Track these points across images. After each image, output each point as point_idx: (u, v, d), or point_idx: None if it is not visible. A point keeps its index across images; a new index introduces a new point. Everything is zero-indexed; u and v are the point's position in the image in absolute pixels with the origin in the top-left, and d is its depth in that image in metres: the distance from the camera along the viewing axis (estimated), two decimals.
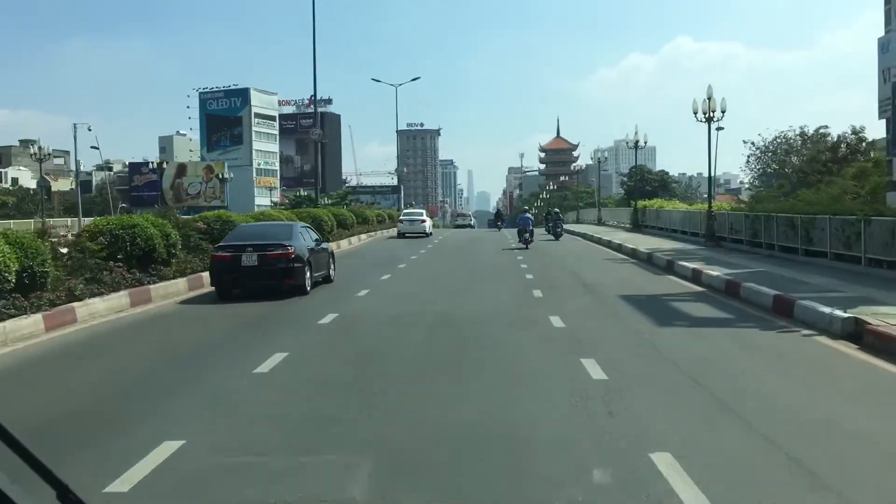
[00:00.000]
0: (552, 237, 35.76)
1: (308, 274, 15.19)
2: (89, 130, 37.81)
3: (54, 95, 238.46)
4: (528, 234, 31.13)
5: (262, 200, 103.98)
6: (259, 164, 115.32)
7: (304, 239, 15.92)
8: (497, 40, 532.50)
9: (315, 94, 29.23)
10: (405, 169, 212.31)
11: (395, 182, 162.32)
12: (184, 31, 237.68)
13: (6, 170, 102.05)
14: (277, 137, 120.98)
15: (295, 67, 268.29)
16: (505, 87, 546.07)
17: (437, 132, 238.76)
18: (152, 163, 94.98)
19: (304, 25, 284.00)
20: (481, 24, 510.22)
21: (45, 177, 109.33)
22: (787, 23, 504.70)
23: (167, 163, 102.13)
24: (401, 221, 42.61)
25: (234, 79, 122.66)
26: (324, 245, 17.63)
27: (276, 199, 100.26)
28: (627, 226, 41.76)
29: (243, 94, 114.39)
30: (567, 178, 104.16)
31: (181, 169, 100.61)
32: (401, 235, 40.89)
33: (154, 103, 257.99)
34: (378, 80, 60.58)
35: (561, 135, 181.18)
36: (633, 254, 24.78)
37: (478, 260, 25.31)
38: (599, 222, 51.02)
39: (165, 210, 25.22)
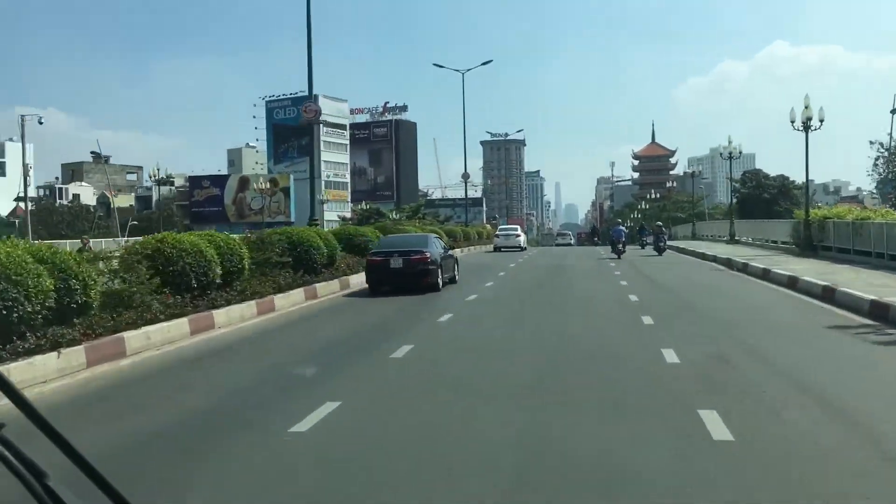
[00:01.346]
0: (654, 252, 34.45)
1: (440, 274, 18.97)
2: (40, 123, 29.34)
3: (135, 114, 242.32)
4: (620, 246, 33.15)
5: (331, 215, 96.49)
6: (328, 176, 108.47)
7: (436, 247, 19.79)
8: (581, 47, 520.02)
9: (310, 76, 19.74)
10: (489, 181, 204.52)
11: (477, 194, 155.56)
12: (252, 44, 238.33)
13: (67, 186, 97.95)
14: (348, 147, 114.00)
15: (368, 75, 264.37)
16: (591, 95, 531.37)
17: (522, 142, 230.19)
18: (208, 179, 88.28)
19: (377, 32, 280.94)
20: (566, 30, 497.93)
21: (106, 192, 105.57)
22: (891, 24, 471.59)
23: (230, 176, 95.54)
24: (497, 236, 46.92)
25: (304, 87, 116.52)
26: (450, 252, 21.77)
27: (346, 213, 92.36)
28: (790, 246, 29.36)
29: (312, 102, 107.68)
30: (671, 186, 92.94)
31: (243, 182, 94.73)
32: (496, 249, 43.78)
33: (225, 116, 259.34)
34: (441, 66, 51.70)
35: (656, 140, 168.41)
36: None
37: (573, 269, 26.88)
38: (700, 237, 46.48)
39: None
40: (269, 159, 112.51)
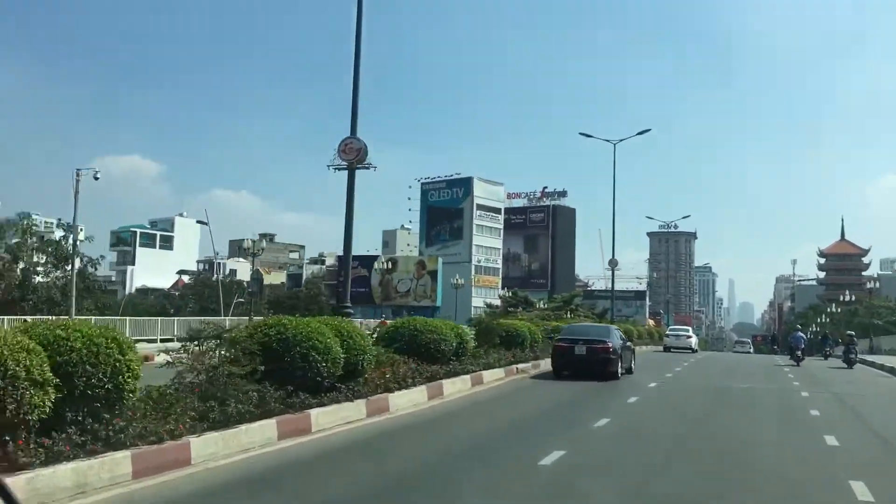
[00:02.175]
0: (843, 364, 31.64)
1: (619, 364, 20.36)
2: (96, 179, 26.44)
3: (310, 198, 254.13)
4: (799, 353, 32.45)
5: (478, 301, 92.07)
6: (479, 261, 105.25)
7: (617, 338, 21.11)
8: (768, 132, 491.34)
9: (354, 112, 13.98)
10: (654, 273, 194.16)
11: (642, 287, 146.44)
12: (417, 131, 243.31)
13: (226, 261, 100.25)
14: (501, 232, 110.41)
15: (527, 160, 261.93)
16: (774, 185, 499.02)
17: (693, 235, 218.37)
18: (357, 259, 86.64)
19: (540, 116, 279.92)
20: (747, 125, 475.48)
21: (260, 269, 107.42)
22: None
23: (378, 257, 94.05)
24: (667, 336, 48.16)
25: (460, 170, 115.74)
26: (628, 343, 23.41)
27: (495, 300, 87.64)
28: None
29: (466, 184, 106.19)
30: (871, 288, 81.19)
31: (391, 264, 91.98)
32: (666, 349, 44.32)
33: (387, 195, 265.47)
34: (588, 135, 46.03)
35: (846, 237, 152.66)
36: None
37: (746, 373, 26.69)
38: None
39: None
40: (421, 241, 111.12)
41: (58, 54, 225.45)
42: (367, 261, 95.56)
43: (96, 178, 29.74)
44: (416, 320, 16.04)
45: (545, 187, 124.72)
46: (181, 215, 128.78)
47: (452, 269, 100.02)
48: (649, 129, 51.59)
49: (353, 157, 18.29)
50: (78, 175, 29.34)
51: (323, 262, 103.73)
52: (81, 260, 39.38)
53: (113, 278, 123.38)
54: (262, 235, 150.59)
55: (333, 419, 10.46)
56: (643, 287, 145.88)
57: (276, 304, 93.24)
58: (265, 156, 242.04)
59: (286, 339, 10.21)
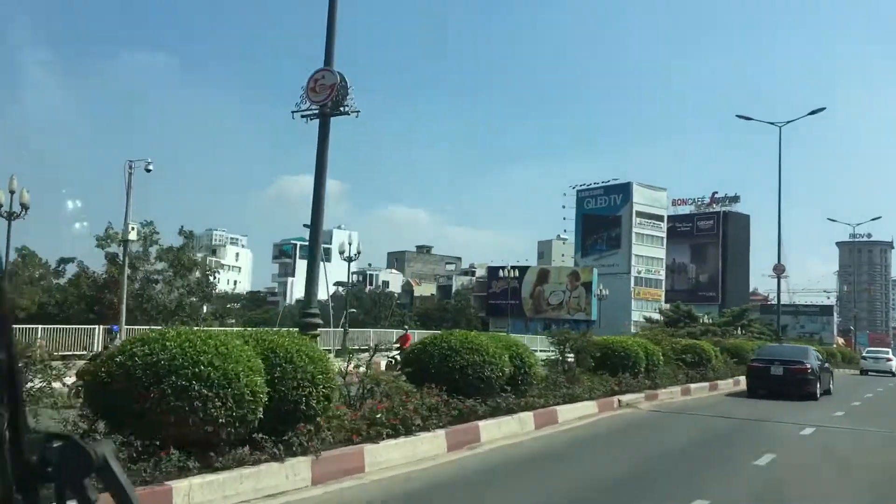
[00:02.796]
0: None
1: (818, 385, 20.59)
2: (148, 171, 23.84)
3: (473, 211, 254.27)
4: None
5: (639, 316, 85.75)
6: (639, 272, 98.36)
7: (814, 359, 21.54)
8: None
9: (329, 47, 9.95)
10: (844, 287, 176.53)
11: (830, 301, 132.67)
12: (575, 145, 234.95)
13: (379, 272, 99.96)
14: (664, 241, 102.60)
15: (697, 164, 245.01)
16: None
17: (890, 245, 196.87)
18: (507, 268, 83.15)
19: (715, 116, 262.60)
20: None
21: (410, 281, 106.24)
22: None
23: (529, 268, 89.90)
24: (864, 358, 47.04)
25: (618, 175, 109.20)
26: (826, 365, 23.87)
27: (654, 314, 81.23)
28: None
29: (624, 190, 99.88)
30: None
31: (542, 275, 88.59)
32: (863, 372, 43.33)
33: (543, 205, 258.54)
34: (747, 118, 39.61)
35: None
36: None
37: None
38: None
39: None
40: (577, 251, 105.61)
41: (236, 83, 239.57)
42: (519, 272, 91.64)
43: (148, 171, 27.92)
44: (451, 335, 11.74)
45: (714, 192, 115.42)
46: (339, 228, 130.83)
47: (609, 281, 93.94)
48: (823, 109, 43.63)
49: (326, 96, 13.63)
50: (130, 168, 27.59)
51: (473, 274, 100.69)
52: (191, 265, 38.26)
53: (276, 290, 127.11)
54: (420, 248, 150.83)
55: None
56: (831, 301, 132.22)
57: (424, 315, 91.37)
58: (440, 177, 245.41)
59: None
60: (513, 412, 11.45)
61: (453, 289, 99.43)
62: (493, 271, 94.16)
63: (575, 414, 13.29)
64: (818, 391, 20.19)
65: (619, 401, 15.27)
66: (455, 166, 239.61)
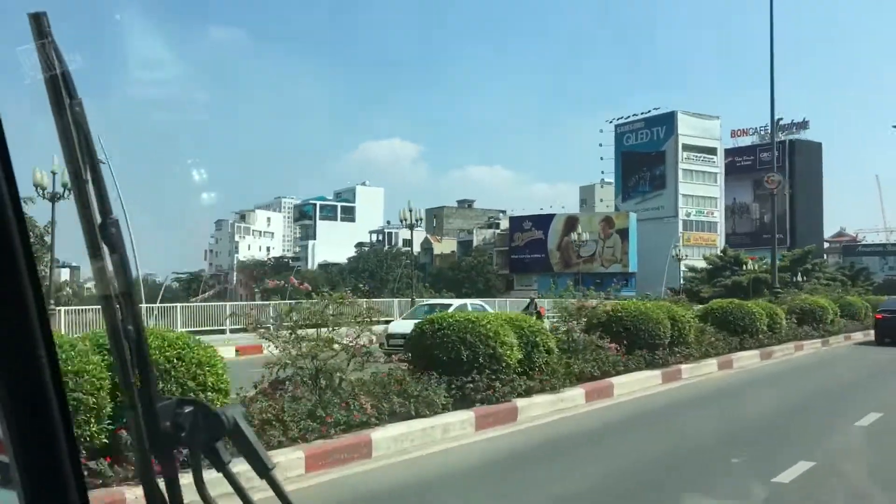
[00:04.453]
0: None
1: None
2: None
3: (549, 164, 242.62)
4: None
5: (692, 263, 73.88)
6: (688, 215, 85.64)
7: None
8: None
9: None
10: None
11: None
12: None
13: (398, 230, 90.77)
14: (720, 178, 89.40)
15: (756, 88, 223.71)
16: None
17: None
18: (530, 220, 72.51)
19: (777, 36, 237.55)
20: None
21: (429, 237, 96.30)
22: None
23: (555, 216, 78.76)
24: None
25: (658, 105, 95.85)
26: None
27: (700, 262, 69.70)
28: None
29: (668, 121, 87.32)
30: None
31: (570, 223, 77.22)
32: None
33: (585, 148, 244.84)
34: None
35: None
36: None
37: None
38: None
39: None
40: (617, 195, 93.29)
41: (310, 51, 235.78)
42: (541, 221, 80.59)
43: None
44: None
45: (779, 119, 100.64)
46: (363, 184, 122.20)
47: (653, 227, 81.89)
48: None
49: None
50: None
51: (497, 227, 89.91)
52: None
53: (299, 254, 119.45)
54: (461, 202, 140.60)
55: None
56: None
57: (438, 277, 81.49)
58: (514, 133, 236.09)
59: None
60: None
61: (473, 244, 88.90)
62: (515, 222, 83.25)
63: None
64: None
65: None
66: (534, 126, 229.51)
